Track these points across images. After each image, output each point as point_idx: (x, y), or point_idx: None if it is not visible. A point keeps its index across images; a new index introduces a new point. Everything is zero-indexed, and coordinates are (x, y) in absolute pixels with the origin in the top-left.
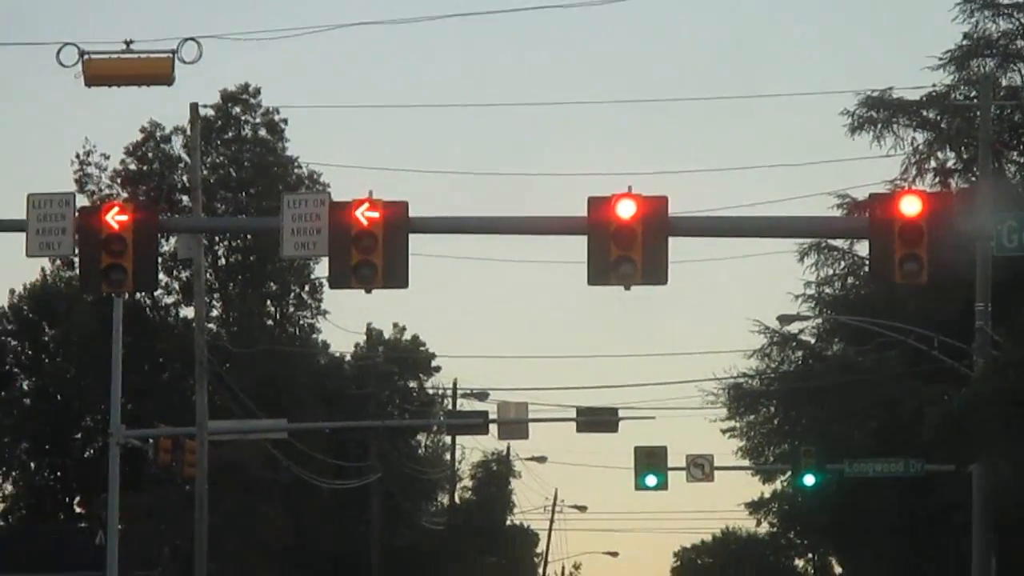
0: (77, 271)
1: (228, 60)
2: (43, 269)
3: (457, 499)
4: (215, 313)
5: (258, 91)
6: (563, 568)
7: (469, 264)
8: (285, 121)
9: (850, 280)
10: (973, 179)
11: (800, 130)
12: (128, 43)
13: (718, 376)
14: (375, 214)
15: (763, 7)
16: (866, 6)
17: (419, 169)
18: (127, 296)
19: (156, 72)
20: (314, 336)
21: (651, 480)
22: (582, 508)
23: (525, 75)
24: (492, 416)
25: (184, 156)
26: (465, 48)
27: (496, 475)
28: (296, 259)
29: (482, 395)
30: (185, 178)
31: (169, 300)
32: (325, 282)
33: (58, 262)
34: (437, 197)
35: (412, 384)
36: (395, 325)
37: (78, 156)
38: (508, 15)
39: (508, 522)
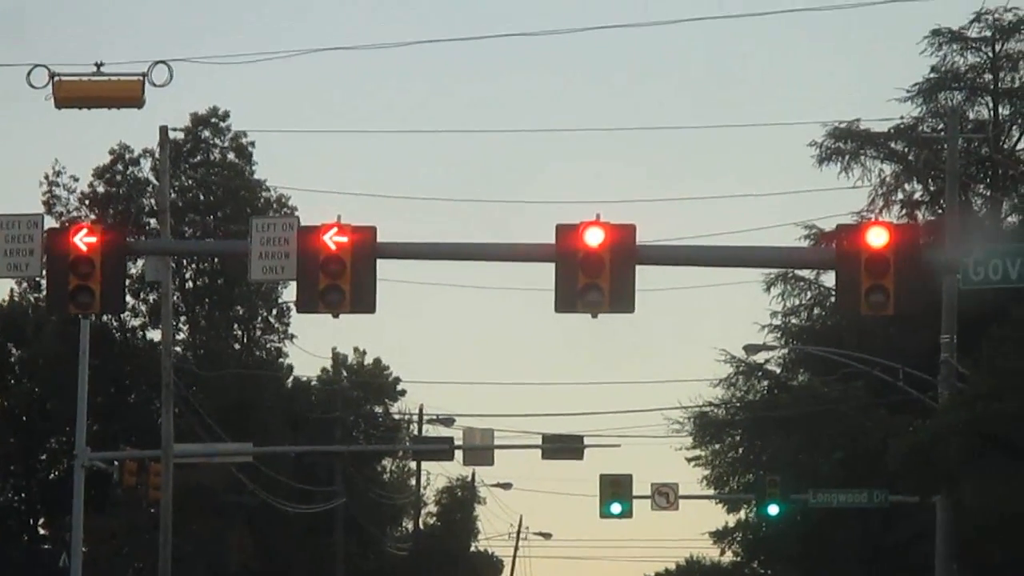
0: (44, 292)
1: (199, 84)
2: (11, 290)
3: (422, 524)
4: (182, 336)
5: (227, 115)
6: None
7: (437, 290)
8: (253, 144)
9: (816, 311)
10: (940, 211)
11: (768, 161)
12: (99, 65)
13: (684, 405)
14: (343, 239)
15: (732, 38)
16: (834, 38)
17: (388, 195)
18: (94, 318)
19: (126, 95)
20: (281, 360)
21: (616, 508)
22: (547, 535)
23: (494, 101)
24: (458, 442)
25: (153, 179)
26: (434, 74)
27: (461, 501)
28: (264, 283)
29: (448, 421)
30: (153, 201)
31: (136, 323)
32: (292, 306)
33: (25, 283)
34: (405, 223)
35: (378, 409)
36: (356, 349)
37: (47, 177)
38: (478, 42)
39: (472, 548)
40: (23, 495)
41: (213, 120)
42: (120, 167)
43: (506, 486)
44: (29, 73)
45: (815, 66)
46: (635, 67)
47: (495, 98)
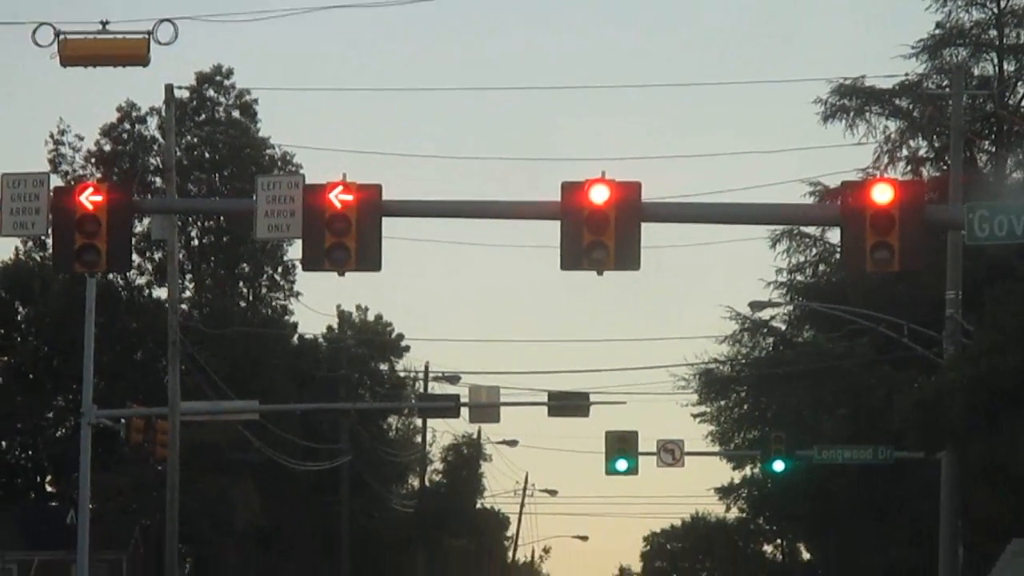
0: (51, 251)
1: (204, 42)
2: (16, 249)
3: (427, 482)
4: (188, 294)
5: (231, 72)
6: (533, 551)
7: (443, 248)
8: (257, 102)
9: (822, 267)
10: (945, 168)
11: (773, 117)
12: (104, 23)
13: (689, 362)
14: (349, 197)
15: (727, 3)
16: None
17: (393, 152)
18: (100, 276)
19: (131, 53)
20: (286, 318)
21: (622, 465)
22: (552, 492)
23: (500, 60)
24: (463, 399)
25: (159, 137)
26: (440, 33)
27: (467, 458)
28: (269, 241)
29: (454, 378)
30: (159, 159)
31: (142, 281)
32: (298, 264)
33: (31, 242)
34: (411, 181)
35: (384, 367)
36: (359, 307)
37: (52, 136)
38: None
39: (478, 505)
40: (30, 452)
41: (217, 78)
42: (127, 125)
43: (512, 443)
44: (35, 31)
45: (820, 22)
46: (640, 24)
47: (500, 56)
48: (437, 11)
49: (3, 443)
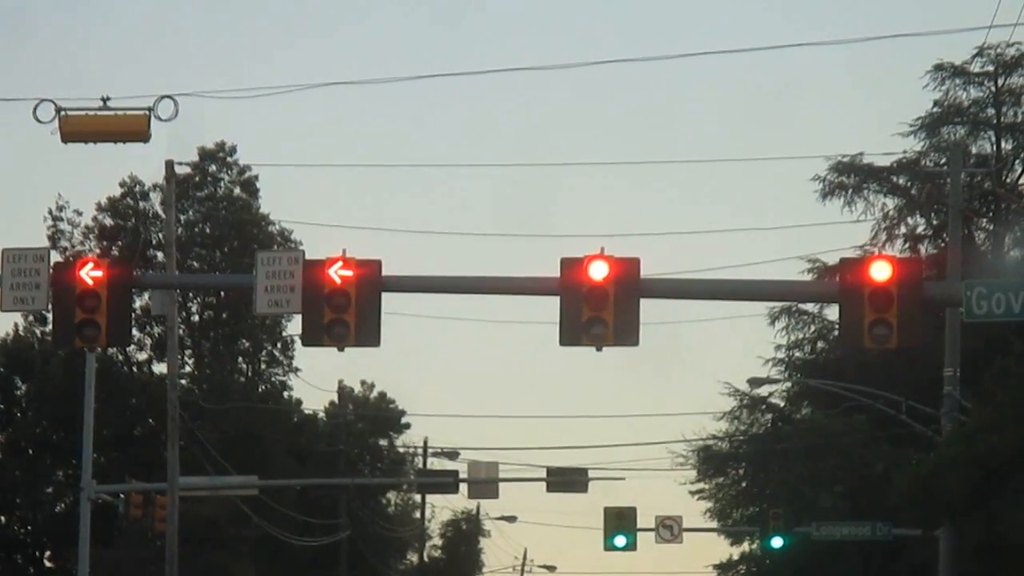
0: (50, 326)
1: (205, 117)
2: (15, 324)
3: (426, 557)
4: (187, 369)
5: (234, 149)
6: None
7: (442, 323)
8: (257, 178)
9: (820, 344)
10: (943, 245)
11: (771, 194)
12: (105, 100)
13: (688, 438)
14: (348, 272)
15: (737, 73)
16: (836, 72)
17: (393, 228)
18: (100, 351)
19: (132, 129)
20: (285, 393)
21: (620, 541)
22: (551, 568)
23: (501, 136)
24: (462, 475)
25: (160, 212)
26: (438, 109)
27: (466, 534)
28: (269, 316)
29: (452, 454)
30: (160, 234)
31: (142, 356)
32: (297, 339)
33: (31, 317)
34: (410, 257)
35: (383, 442)
36: (363, 383)
37: (51, 212)
38: (485, 76)
39: None
40: (29, 527)
41: (220, 155)
42: (129, 200)
43: (511, 519)
44: (36, 107)
45: (818, 100)
46: (639, 101)
47: (499, 132)
48: (435, 89)
49: (2, 518)
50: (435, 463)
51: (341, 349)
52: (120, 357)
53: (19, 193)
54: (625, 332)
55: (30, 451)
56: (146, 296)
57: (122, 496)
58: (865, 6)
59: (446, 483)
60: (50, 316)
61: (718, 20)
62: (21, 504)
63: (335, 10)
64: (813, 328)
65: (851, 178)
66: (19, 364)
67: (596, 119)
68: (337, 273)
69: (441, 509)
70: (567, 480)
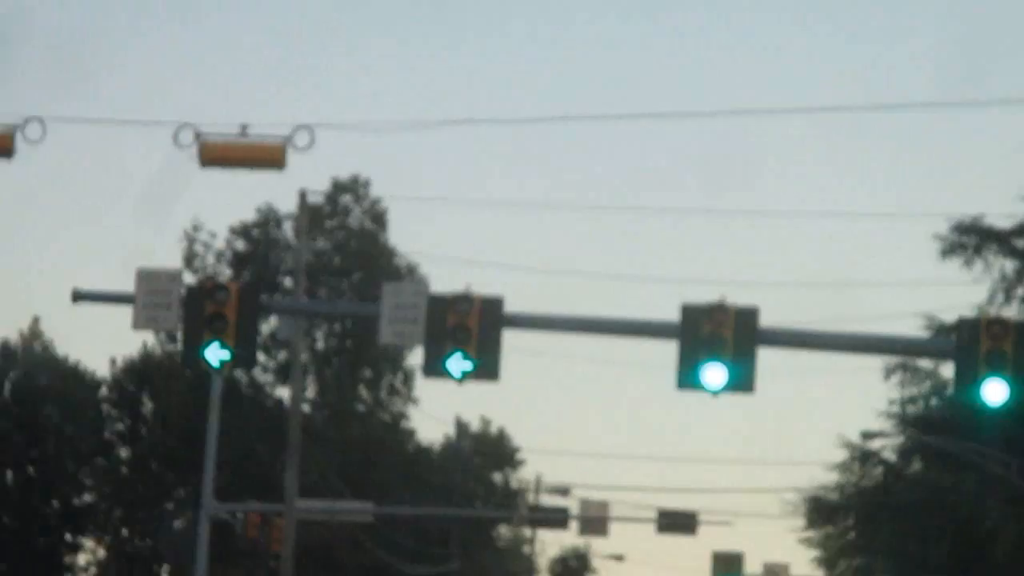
0: (180, 345)
1: (336, 148)
2: (144, 343)
3: None
4: (310, 395)
5: (368, 182)
6: None
7: (561, 362)
8: (388, 211)
9: (933, 401)
10: None
11: (892, 252)
12: (244, 127)
13: (799, 487)
14: (471, 307)
15: (854, 132)
16: (957, 136)
17: (517, 265)
18: (226, 373)
19: (269, 157)
20: (404, 423)
21: None
22: None
23: (625, 176)
24: (573, 512)
25: (291, 240)
26: (568, 149)
27: (574, 571)
28: (392, 346)
29: (564, 491)
30: (290, 261)
31: (267, 379)
32: (418, 371)
33: (162, 335)
34: (534, 294)
35: (497, 476)
36: (482, 418)
37: (186, 234)
38: (617, 120)
39: None
40: (149, 542)
41: (354, 186)
42: (259, 228)
43: (619, 558)
44: (177, 132)
45: (941, 160)
46: (758, 151)
47: (627, 172)
48: (565, 129)
49: (124, 531)
50: (547, 499)
51: (461, 382)
52: (245, 379)
53: (156, 215)
54: (741, 380)
55: (153, 467)
56: (273, 321)
57: (240, 516)
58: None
59: (557, 518)
60: (180, 336)
61: (848, 72)
62: (143, 518)
63: (478, 44)
64: (928, 384)
65: (970, 238)
66: (146, 382)
67: (715, 167)
68: (460, 308)
69: (551, 545)
70: (677, 522)
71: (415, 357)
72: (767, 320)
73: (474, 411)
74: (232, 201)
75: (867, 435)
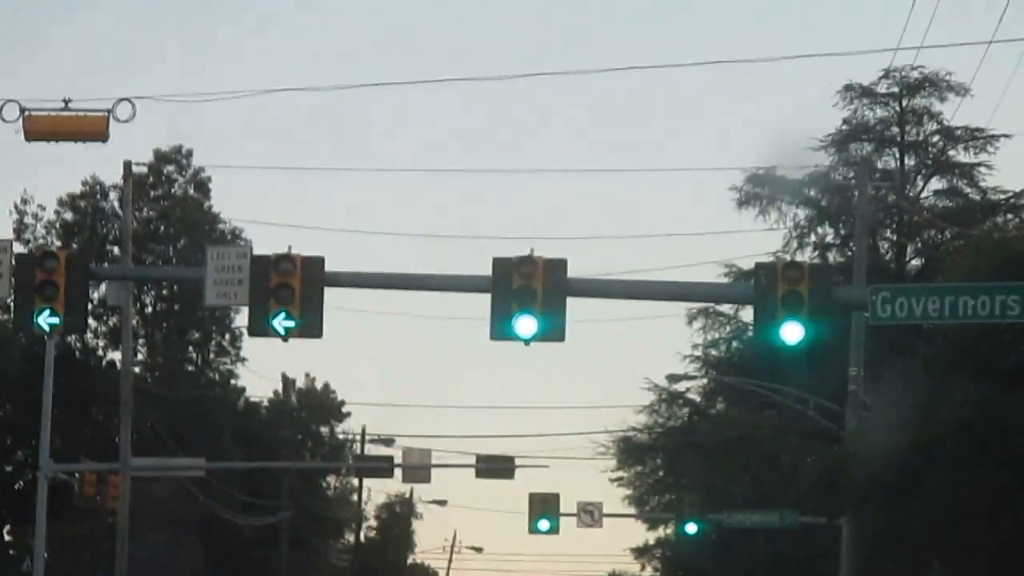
0: (11, 314)
1: (162, 119)
2: None
3: (363, 538)
4: (140, 357)
5: (190, 152)
6: None
7: (380, 317)
8: (211, 179)
9: (735, 343)
10: (850, 253)
11: (691, 203)
12: (67, 101)
13: (609, 429)
14: (293, 267)
15: (661, 88)
16: (753, 93)
17: (336, 228)
18: (58, 339)
19: (92, 129)
20: (233, 381)
21: (544, 525)
22: (479, 549)
23: (441, 140)
24: (397, 461)
25: (118, 209)
26: (380, 115)
27: (399, 516)
28: (218, 308)
29: (388, 441)
30: (117, 230)
31: (99, 344)
32: (244, 331)
33: None
34: (354, 254)
35: (323, 429)
36: (307, 375)
37: (16, 206)
38: (427, 85)
39: (410, 561)
40: None
41: (176, 157)
42: (87, 199)
43: (442, 503)
44: (1, 107)
45: (737, 115)
46: (571, 111)
47: (442, 137)
48: (380, 94)
49: None
50: (372, 449)
51: (285, 340)
52: (78, 345)
53: None
54: (552, 328)
55: None
56: (103, 288)
57: (77, 475)
58: (783, 26)
59: (382, 468)
60: (12, 305)
61: (641, 34)
62: None
63: (289, 17)
64: (729, 328)
65: (765, 189)
66: None
67: (527, 127)
68: (283, 268)
69: (377, 493)
70: (495, 467)
71: (242, 318)
72: (575, 271)
73: (300, 367)
74: (59, 174)
75: (673, 378)
